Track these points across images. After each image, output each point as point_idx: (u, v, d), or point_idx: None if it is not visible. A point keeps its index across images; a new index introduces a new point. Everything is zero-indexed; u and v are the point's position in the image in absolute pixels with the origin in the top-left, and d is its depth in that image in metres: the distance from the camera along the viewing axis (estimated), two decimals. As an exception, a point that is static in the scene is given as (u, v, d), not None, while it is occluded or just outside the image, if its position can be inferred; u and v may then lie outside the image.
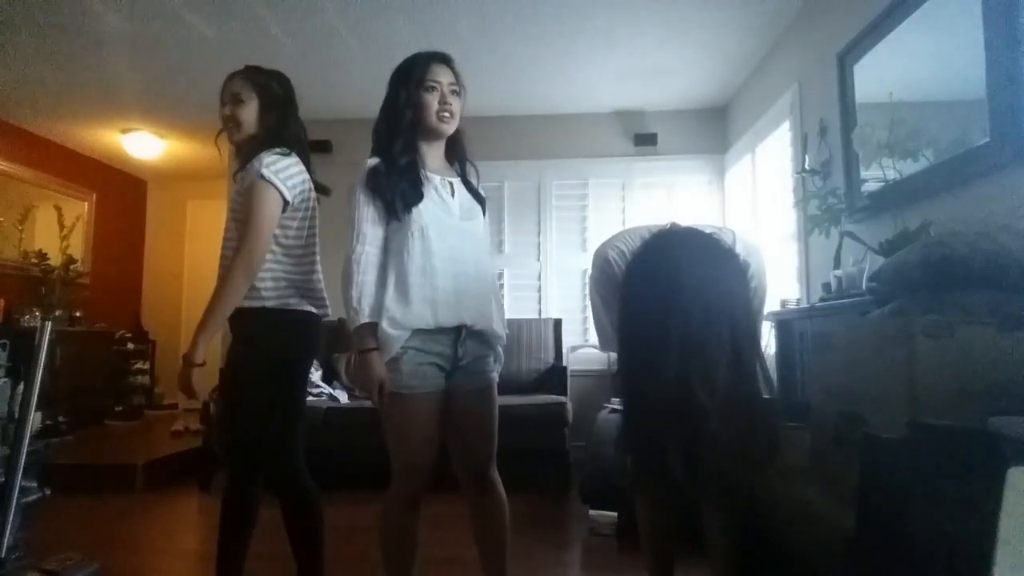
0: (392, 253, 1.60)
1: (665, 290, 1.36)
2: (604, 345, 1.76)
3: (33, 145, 5.19)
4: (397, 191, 1.59)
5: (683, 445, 1.36)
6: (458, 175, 1.76)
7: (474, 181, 1.79)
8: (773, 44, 3.68)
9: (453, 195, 1.70)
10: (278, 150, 1.74)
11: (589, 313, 4.63)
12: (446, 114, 1.65)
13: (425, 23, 3.41)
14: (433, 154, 1.72)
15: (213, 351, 1.77)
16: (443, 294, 1.60)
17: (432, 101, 1.65)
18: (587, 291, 4.65)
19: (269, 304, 1.71)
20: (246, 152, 1.80)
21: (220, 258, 1.76)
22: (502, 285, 4.52)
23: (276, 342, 1.74)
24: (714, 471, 1.40)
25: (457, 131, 1.74)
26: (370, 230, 1.60)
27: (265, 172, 1.68)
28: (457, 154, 1.78)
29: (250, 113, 1.80)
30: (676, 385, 1.30)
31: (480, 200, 1.77)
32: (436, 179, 1.68)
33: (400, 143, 1.64)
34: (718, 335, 1.32)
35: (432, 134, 1.68)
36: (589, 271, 1.82)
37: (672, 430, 1.37)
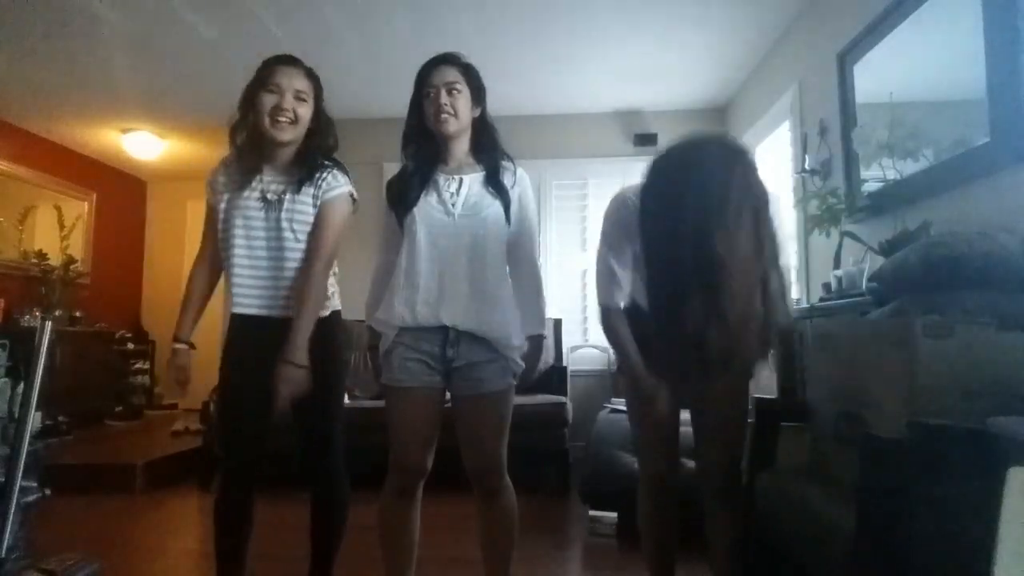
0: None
1: (683, 177, 1.38)
2: (601, 293, 1.67)
3: (33, 145, 5.19)
4: (396, 198, 1.70)
5: (699, 305, 1.36)
6: (481, 169, 1.71)
7: (506, 173, 1.72)
8: (773, 44, 3.68)
9: (459, 191, 1.67)
10: (339, 169, 1.80)
11: (589, 313, 4.63)
12: (443, 115, 1.65)
13: (425, 23, 3.42)
14: (450, 152, 1.71)
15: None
16: (424, 293, 1.62)
17: (429, 106, 1.67)
18: (587, 289, 4.66)
19: (335, 309, 1.85)
20: (297, 154, 1.77)
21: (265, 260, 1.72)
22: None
23: (344, 344, 1.92)
24: (722, 345, 1.38)
25: (482, 124, 1.74)
26: (387, 238, 1.75)
27: (353, 192, 1.79)
28: (483, 147, 1.74)
29: (308, 114, 1.74)
30: (694, 240, 1.32)
31: (500, 193, 1.69)
32: (441, 177, 1.69)
33: (412, 147, 1.73)
34: (737, 214, 1.32)
35: (439, 135, 1.69)
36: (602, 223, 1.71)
37: (690, 283, 1.36)
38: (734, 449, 1.62)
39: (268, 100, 1.69)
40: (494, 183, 1.70)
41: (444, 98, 1.65)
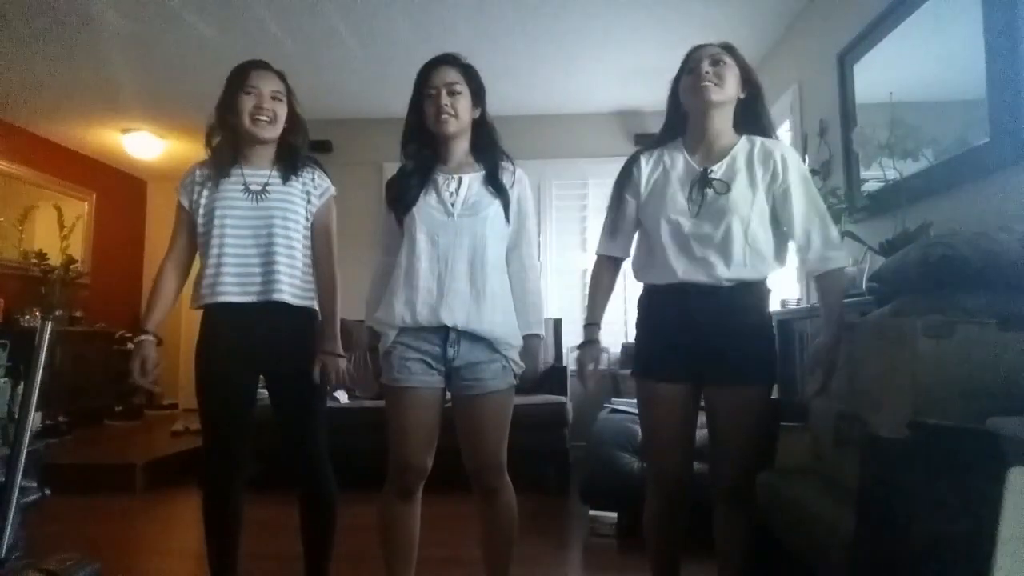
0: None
1: None
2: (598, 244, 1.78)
3: (33, 145, 5.18)
4: (395, 198, 1.70)
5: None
6: (480, 169, 1.72)
7: (505, 173, 1.73)
8: (773, 44, 3.68)
9: (458, 191, 1.67)
10: (320, 167, 1.91)
11: (589, 313, 4.62)
12: (443, 116, 1.65)
13: (425, 23, 3.42)
14: (450, 152, 1.72)
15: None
16: (424, 294, 1.61)
17: (430, 106, 1.67)
18: (587, 289, 4.65)
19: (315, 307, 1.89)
20: (276, 151, 1.84)
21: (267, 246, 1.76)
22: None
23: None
24: None
25: (481, 123, 1.74)
26: (383, 239, 1.77)
27: (334, 190, 1.90)
28: (482, 147, 1.75)
29: (284, 114, 1.81)
30: None
31: (499, 193, 1.69)
32: (440, 177, 1.69)
33: (411, 147, 1.73)
34: None
35: (439, 135, 1.69)
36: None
37: None
38: (748, 455, 1.60)
39: (247, 101, 1.75)
40: (493, 183, 1.70)
41: (445, 99, 1.65)
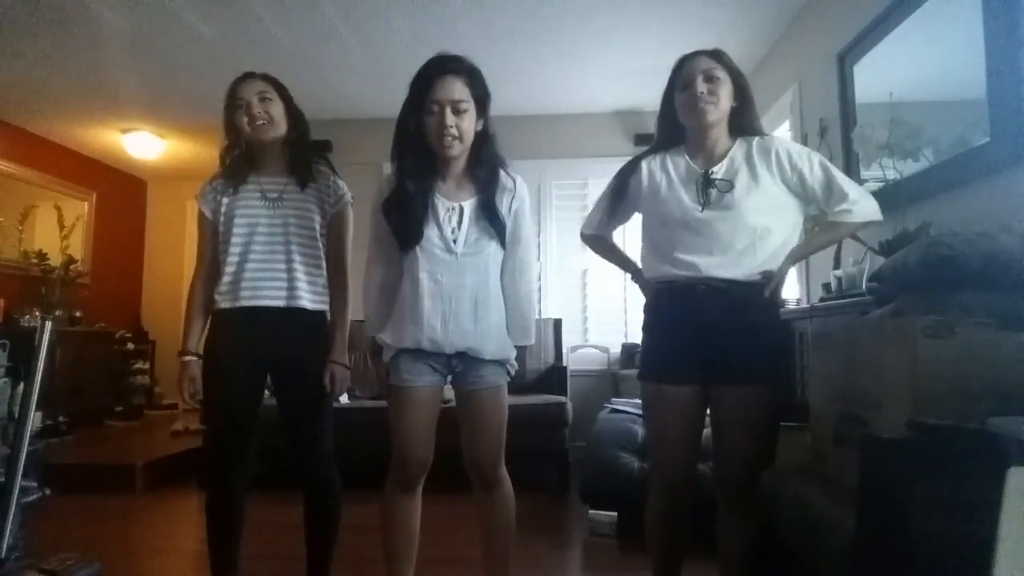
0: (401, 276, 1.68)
1: None
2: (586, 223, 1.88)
3: (33, 145, 5.19)
4: (397, 227, 1.63)
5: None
6: (476, 194, 1.66)
7: (503, 197, 1.67)
8: (773, 44, 3.68)
9: (460, 224, 1.63)
10: (333, 171, 1.94)
11: (589, 313, 4.63)
12: (447, 138, 1.56)
13: (425, 23, 3.42)
14: (449, 170, 1.66)
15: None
16: (428, 330, 1.61)
17: (432, 124, 1.57)
18: (587, 289, 4.66)
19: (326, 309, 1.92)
20: (286, 154, 1.87)
21: (279, 253, 1.80)
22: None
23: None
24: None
25: (483, 136, 1.66)
26: (379, 251, 1.70)
27: (351, 198, 1.93)
28: (481, 160, 1.67)
29: (280, 110, 1.83)
30: None
31: (498, 226, 1.65)
32: (442, 208, 1.63)
33: (409, 161, 1.63)
34: None
35: (438, 155, 1.63)
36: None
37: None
38: (753, 455, 1.59)
39: (241, 114, 1.79)
40: (491, 214, 1.65)
41: (450, 119, 1.55)
